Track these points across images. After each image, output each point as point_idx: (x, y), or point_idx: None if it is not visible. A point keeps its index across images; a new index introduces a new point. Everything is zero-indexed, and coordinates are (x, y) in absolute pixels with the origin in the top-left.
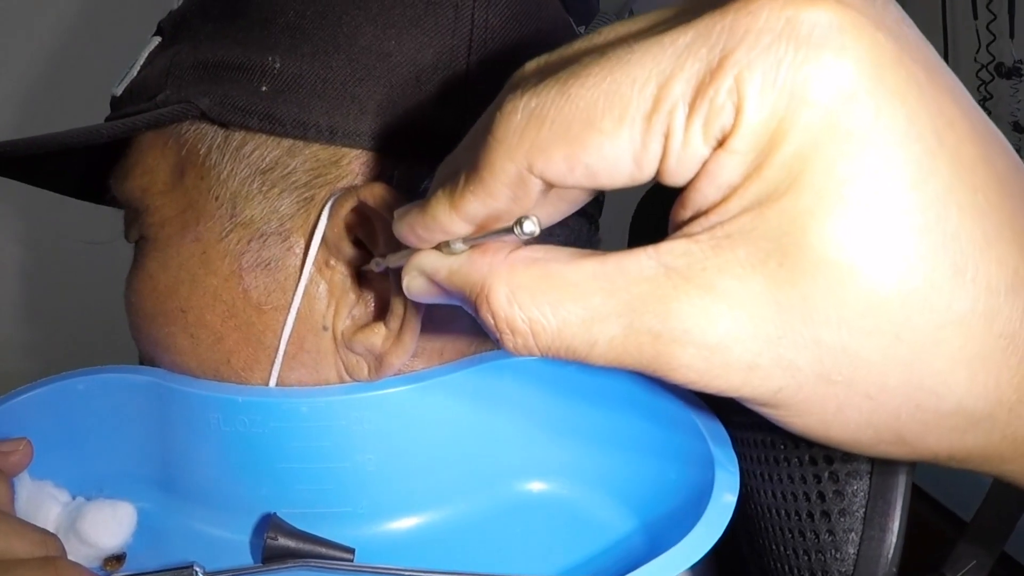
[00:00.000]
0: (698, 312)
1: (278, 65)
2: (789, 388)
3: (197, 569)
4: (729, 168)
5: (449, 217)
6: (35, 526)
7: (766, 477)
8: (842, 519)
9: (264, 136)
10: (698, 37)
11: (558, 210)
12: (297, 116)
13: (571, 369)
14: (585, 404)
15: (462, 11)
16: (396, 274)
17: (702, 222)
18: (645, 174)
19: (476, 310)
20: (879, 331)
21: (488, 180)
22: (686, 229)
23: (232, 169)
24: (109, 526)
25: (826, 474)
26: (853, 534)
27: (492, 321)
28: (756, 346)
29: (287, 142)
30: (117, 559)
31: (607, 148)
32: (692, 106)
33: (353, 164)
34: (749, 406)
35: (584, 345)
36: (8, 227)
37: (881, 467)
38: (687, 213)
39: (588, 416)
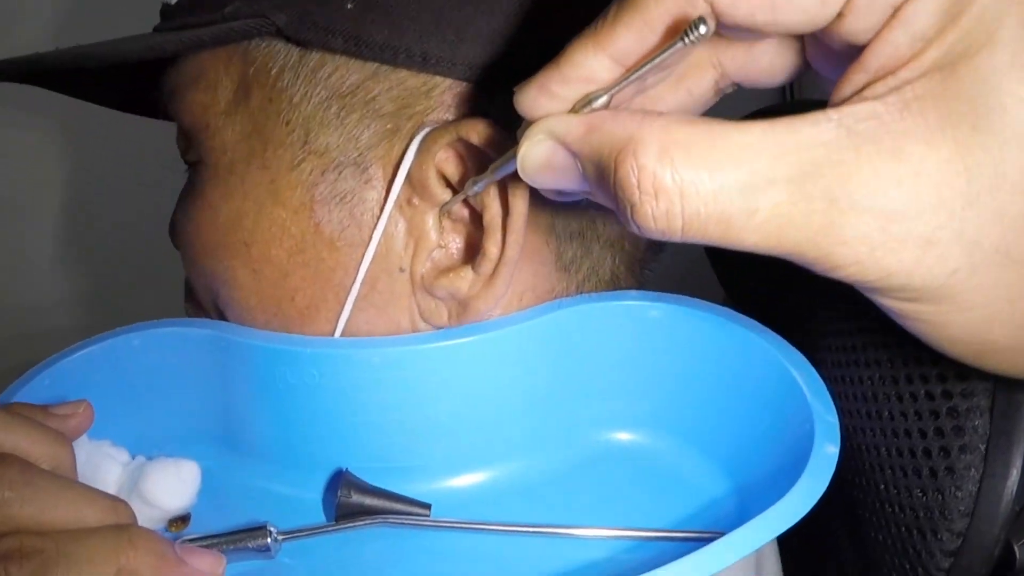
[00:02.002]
0: (882, 178)
1: None
2: (963, 271)
3: (271, 529)
4: (926, 13)
5: (594, 58)
6: (104, 492)
7: (873, 415)
8: (963, 455)
9: (345, 58)
10: None
11: (681, 105)
12: (387, 39)
13: (655, 314)
14: (670, 351)
15: None
16: (491, 210)
17: (888, 82)
18: (827, 11)
19: (616, 170)
20: None
21: (650, 5)
22: (868, 91)
23: (306, 92)
24: (173, 486)
25: (944, 409)
26: (973, 471)
27: (634, 180)
28: (938, 219)
29: (371, 66)
30: (182, 520)
31: None
32: None
33: (445, 96)
34: (899, 307)
35: (742, 213)
36: (42, 175)
37: (1002, 404)
38: (866, 76)
39: (673, 363)
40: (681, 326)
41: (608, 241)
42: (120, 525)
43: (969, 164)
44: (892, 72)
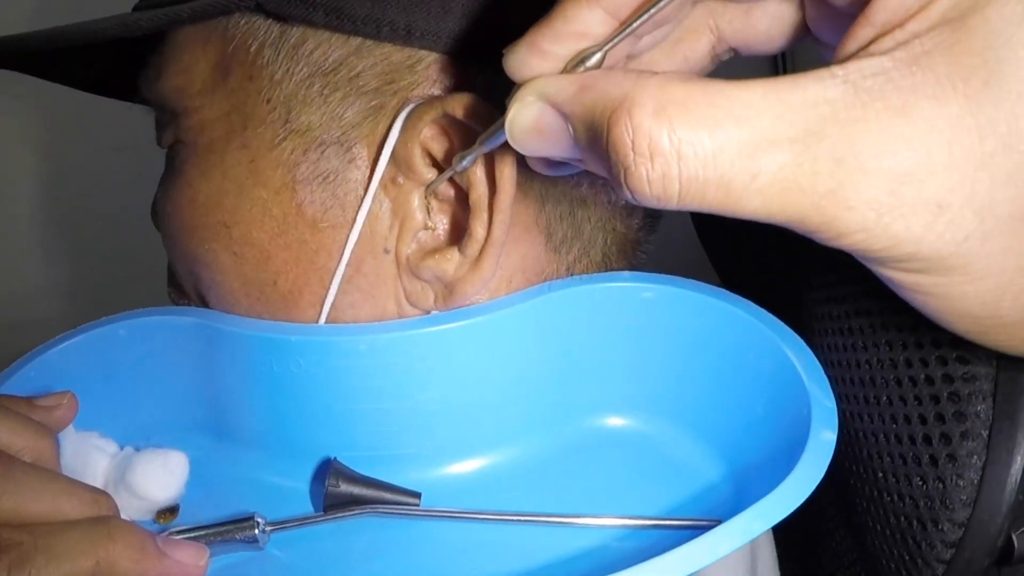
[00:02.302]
0: (890, 137)
1: None
2: (975, 238)
3: (259, 520)
4: None
5: (588, 9)
6: (86, 484)
7: (871, 400)
8: (964, 442)
9: (327, 33)
10: None
11: (677, 72)
12: (369, 11)
13: (649, 295)
14: (663, 334)
15: None
16: (478, 191)
17: (896, 35)
18: None
19: (608, 131)
20: None
21: None
22: (874, 47)
23: (288, 69)
24: (161, 477)
25: (945, 394)
26: (976, 458)
27: (628, 141)
28: (950, 181)
29: (355, 41)
30: (170, 511)
31: None
32: None
33: (430, 70)
34: (905, 279)
35: (743, 176)
36: (23, 161)
37: (1005, 388)
38: (872, 31)
39: (667, 346)
40: (675, 307)
41: (599, 221)
42: (100, 517)
43: (981, 121)
44: (899, 26)
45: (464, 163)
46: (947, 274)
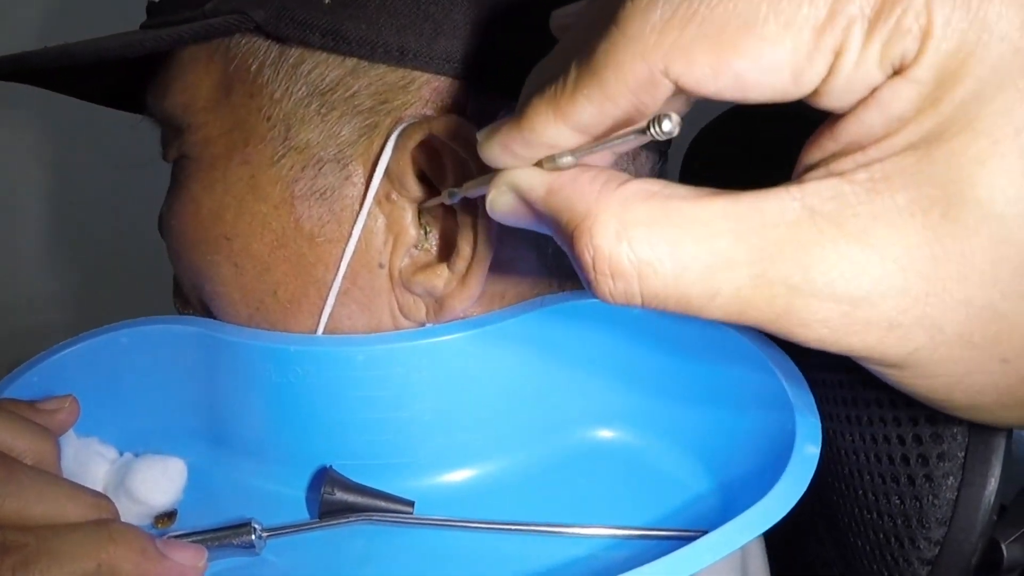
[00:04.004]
0: (846, 263)
1: None
2: (924, 350)
3: (255, 526)
4: (905, 99)
5: (555, 127)
6: (87, 488)
7: (852, 419)
8: (941, 463)
9: (325, 54)
10: None
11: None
12: (364, 33)
13: (639, 311)
14: (653, 349)
15: None
16: (465, 210)
17: (857, 158)
18: (800, 91)
19: (571, 243)
20: None
21: (610, 81)
22: (835, 166)
23: (287, 88)
24: (160, 483)
25: (923, 416)
26: (951, 479)
27: (590, 260)
28: (903, 304)
29: (351, 62)
30: (168, 517)
31: (765, 57)
32: (873, 25)
33: (423, 90)
34: (867, 364)
35: (703, 295)
36: (29, 173)
37: None
38: (836, 146)
39: (656, 361)
40: (665, 323)
41: None
42: (101, 520)
43: (937, 252)
44: (862, 148)
45: (453, 200)
46: (901, 370)
